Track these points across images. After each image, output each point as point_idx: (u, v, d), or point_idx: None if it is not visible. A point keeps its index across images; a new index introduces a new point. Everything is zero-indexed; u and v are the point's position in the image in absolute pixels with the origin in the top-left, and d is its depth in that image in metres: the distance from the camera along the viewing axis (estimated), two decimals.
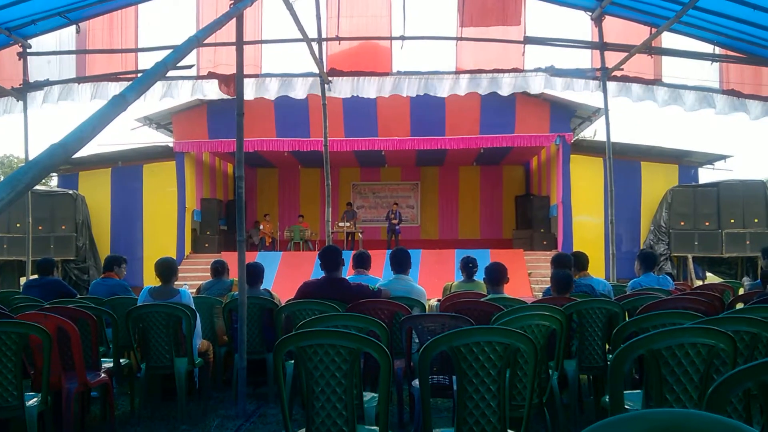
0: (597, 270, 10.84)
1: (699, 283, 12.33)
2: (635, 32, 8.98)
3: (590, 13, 9.11)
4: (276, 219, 19.24)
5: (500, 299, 4.79)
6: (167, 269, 5.08)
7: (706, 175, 15.31)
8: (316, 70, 9.39)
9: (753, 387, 1.87)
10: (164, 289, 5.02)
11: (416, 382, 3.63)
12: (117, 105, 2.87)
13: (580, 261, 5.93)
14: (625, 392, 2.80)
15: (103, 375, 4.36)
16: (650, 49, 8.88)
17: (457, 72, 9.64)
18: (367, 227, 18.84)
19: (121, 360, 4.94)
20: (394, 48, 9.68)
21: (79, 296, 6.17)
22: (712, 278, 13.90)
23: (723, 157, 15.04)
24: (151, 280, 5.34)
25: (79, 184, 15.32)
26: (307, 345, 2.79)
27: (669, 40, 9.17)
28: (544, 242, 15.58)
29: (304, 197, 20.49)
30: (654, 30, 8.55)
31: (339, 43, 9.64)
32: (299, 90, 9.85)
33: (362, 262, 5.81)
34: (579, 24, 9.39)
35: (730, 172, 15.15)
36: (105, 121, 2.75)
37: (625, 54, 8.80)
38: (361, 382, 3.40)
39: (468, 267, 6.44)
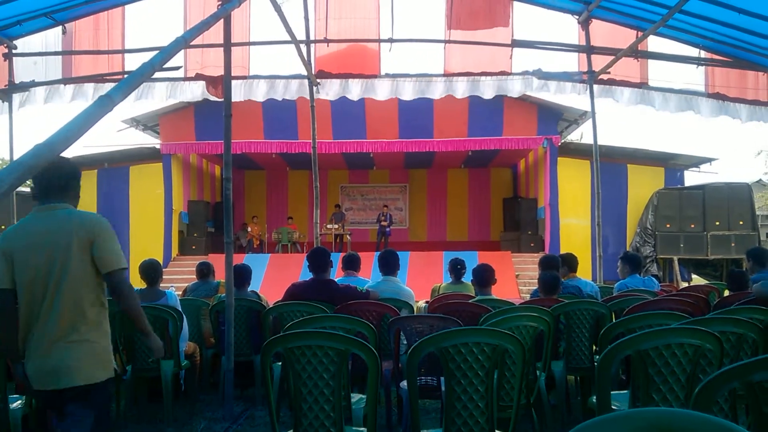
0: (584, 272, 10.87)
1: (685, 284, 12.42)
2: (622, 36, 9.03)
3: (577, 17, 9.16)
4: (264, 221, 19.18)
5: (488, 300, 4.81)
6: (152, 271, 5.04)
7: (691, 178, 15.48)
8: (305, 72, 9.38)
9: (739, 386, 1.89)
10: (150, 291, 4.98)
11: (404, 384, 3.63)
12: (103, 105, 2.85)
13: (571, 262, 5.96)
14: (612, 393, 2.81)
15: None
16: (637, 52, 8.94)
17: (446, 75, 9.65)
18: (355, 229, 18.82)
19: None
20: (382, 50, 9.68)
21: None
22: (697, 280, 14.01)
23: (708, 160, 15.19)
24: (137, 282, 5.30)
25: None
26: (294, 346, 2.78)
27: (655, 43, 9.23)
28: (532, 244, 15.65)
29: (292, 199, 20.45)
30: (640, 34, 8.60)
31: (327, 45, 9.62)
32: (287, 92, 9.82)
33: (352, 264, 5.82)
34: (566, 27, 9.43)
35: (715, 174, 15.34)
36: (91, 122, 2.72)
37: (612, 57, 8.85)
38: (349, 383, 3.40)
39: (456, 269, 6.45)
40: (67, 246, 2.58)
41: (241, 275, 5.58)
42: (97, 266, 2.63)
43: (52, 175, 2.66)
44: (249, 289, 5.83)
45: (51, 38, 9.47)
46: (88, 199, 15.04)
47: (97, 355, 2.68)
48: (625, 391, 3.40)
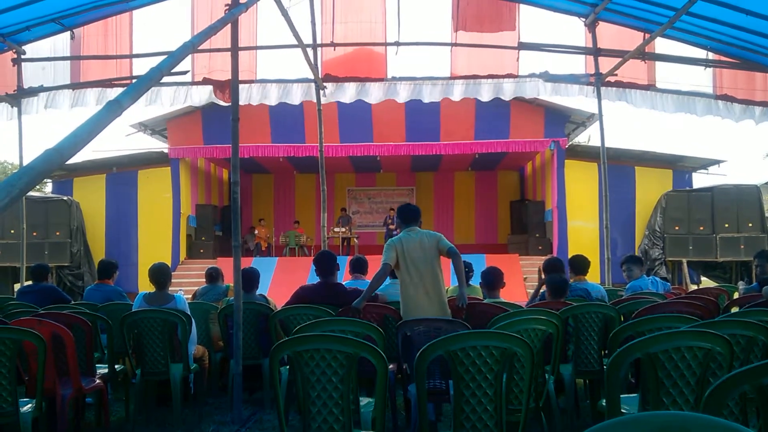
0: (592, 275, 10.81)
1: (694, 287, 12.37)
2: (629, 38, 9.02)
3: (584, 19, 9.14)
4: (271, 224, 19.22)
5: (496, 304, 4.80)
6: (161, 275, 5.05)
7: (699, 180, 15.40)
8: (312, 76, 9.40)
9: (749, 390, 1.88)
10: (159, 294, 5.00)
11: (413, 387, 3.62)
12: (111, 110, 2.87)
13: (580, 265, 5.91)
14: (621, 396, 2.80)
15: (98, 381, 4.35)
16: (644, 54, 8.92)
17: (452, 78, 9.65)
18: (362, 232, 18.83)
19: (116, 366, 4.92)
20: (388, 54, 9.70)
21: (73, 302, 6.14)
22: (706, 282, 13.93)
23: (716, 162, 15.11)
24: (146, 285, 5.32)
25: (74, 190, 15.28)
26: (303, 350, 2.78)
27: (662, 45, 9.21)
28: (540, 247, 15.61)
29: (300, 203, 20.48)
30: (647, 36, 8.58)
31: (334, 49, 9.64)
32: (294, 96, 9.85)
33: (359, 267, 5.84)
34: (573, 30, 9.42)
35: (723, 176, 15.23)
36: (100, 127, 2.74)
37: (619, 59, 8.84)
38: (357, 386, 3.40)
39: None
40: (431, 247, 4.69)
41: (250, 279, 5.59)
42: (441, 252, 4.70)
43: (411, 216, 4.88)
44: (257, 292, 5.83)
45: (59, 43, 9.53)
46: (96, 204, 15.13)
47: (446, 302, 4.70)
48: (634, 395, 3.38)
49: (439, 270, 4.73)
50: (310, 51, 9.10)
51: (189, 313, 4.91)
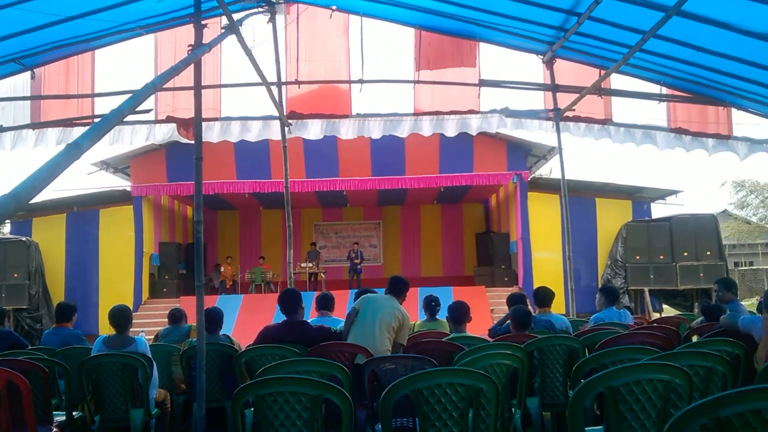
0: (557, 305, 10.93)
1: (656, 315, 12.55)
2: (586, 74, 9.28)
3: (542, 57, 9.39)
4: (237, 261, 19.00)
5: (462, 338, 4.81)
6: (121, 317, 4.94)
7: (658, 210, 15.76)
8: (276, 113, 9.43)
9: (708, 423, 1.90)
10: (119, 338, 4.88)
11: (380, 426, 3.59)
12: (70, 153, 2.84)
13: (544, 297, 5.98)
14: (587, 429, 2.82)
15: (54, 429, 4.21)
16: (600, 90, 9.19)
17: (416, 114, 9.79)
18: (329, 267, 18.72)
19: (75, 413, 4.76)
20: (353, 91, 9.80)
21: (30, 347, 5.95)
22: (668, 310, 14.16)
23: (674, 192, 15.51)
24: (107, 326, 5.20)
25: (33, 230, 14.92)
26: (266, 393, 2.75)
27: (618, 81, 9.51)
28: (505, 278, 15.72)
29: (266, 239, 20.31)
30: (603, 72, 8.86)
31: (298, 87, 9.71)
32: (260, 133, 9.85)
33: (325, 304, 5.80)
34: (532, 66, 9.66)
35: (681, 206, 15.62)
36: (58, 170, 2.71)
37: (577, 95, 9.08)
38: (324, 428, 3.35)
39: (431, 306, 6.45)
40: (394, 317, 4.78)
41: (213, 319, 5.50)
42: (398, 331, 4.81)
43: (398, 289, 5.06)
44: (221, 332, 5.74)
45: (20, 83, 9.40)
46: (56, 244, 14.77)
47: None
48: (599, 427, 3.40)
49: (391, 328, 4.81)
50: (274, 89, 9.14)
51: (150, 355, 4.80)
